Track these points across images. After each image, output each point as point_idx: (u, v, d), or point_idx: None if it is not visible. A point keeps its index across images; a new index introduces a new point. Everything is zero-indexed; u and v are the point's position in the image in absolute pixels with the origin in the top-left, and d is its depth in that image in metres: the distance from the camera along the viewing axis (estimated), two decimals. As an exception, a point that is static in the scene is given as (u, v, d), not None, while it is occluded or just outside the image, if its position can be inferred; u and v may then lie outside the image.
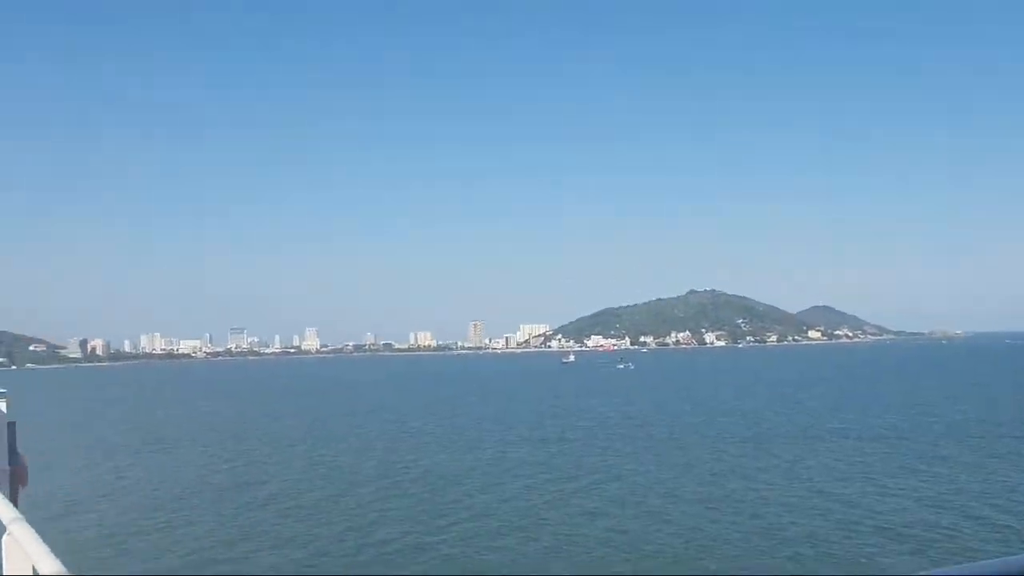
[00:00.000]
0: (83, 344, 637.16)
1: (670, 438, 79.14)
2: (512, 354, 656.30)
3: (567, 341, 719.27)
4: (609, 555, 37.47)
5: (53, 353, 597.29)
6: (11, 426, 10.89)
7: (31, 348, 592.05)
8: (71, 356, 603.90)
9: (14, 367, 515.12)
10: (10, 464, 10.74)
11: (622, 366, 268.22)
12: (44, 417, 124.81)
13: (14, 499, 10.81)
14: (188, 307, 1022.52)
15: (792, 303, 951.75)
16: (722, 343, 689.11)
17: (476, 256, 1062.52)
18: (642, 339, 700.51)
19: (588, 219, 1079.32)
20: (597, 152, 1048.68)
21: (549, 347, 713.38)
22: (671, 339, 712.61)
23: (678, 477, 57.41)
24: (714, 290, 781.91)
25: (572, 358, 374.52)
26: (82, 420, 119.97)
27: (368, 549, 39.59)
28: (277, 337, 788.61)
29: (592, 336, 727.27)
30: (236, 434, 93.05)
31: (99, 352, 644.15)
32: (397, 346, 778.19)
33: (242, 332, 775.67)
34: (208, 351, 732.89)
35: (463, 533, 42.46)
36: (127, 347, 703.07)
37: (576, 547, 39.17)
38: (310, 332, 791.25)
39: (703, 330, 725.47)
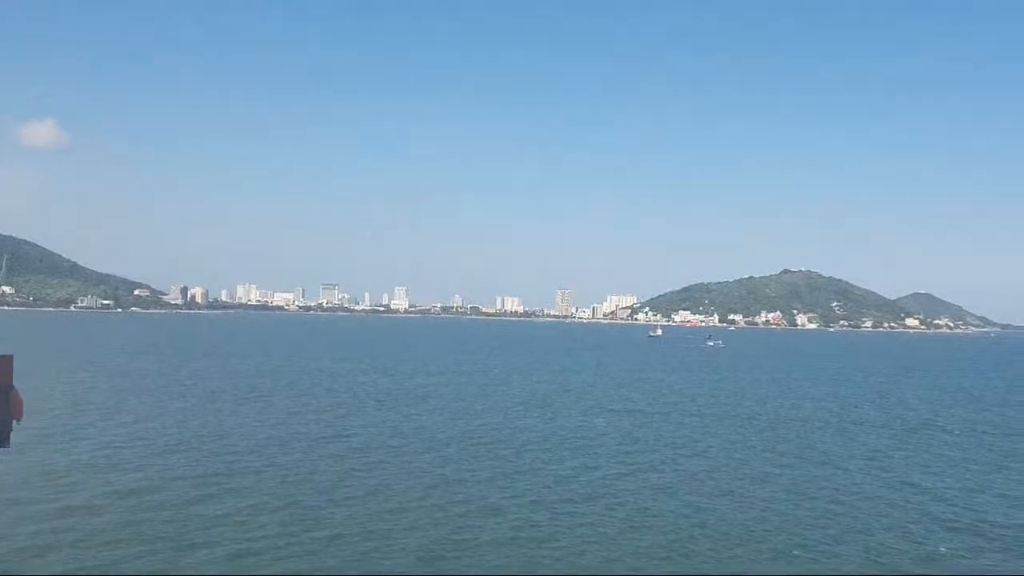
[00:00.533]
0: (184, 291, 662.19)
1: (756, 419, 78.20)
2: (598, 324, 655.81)
3: (654, 315, 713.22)
4: (682, 532, 37.52)
5: (156, 298, 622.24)
6: (3, 360, 10.96)
7: (135, 292, 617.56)
8: (172, 302, 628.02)
9: (120, 310, 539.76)
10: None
11: (712, 343, 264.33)
12: (159, 362, 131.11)
13: (5, 433, 10.71)
14: (282, 260, 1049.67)
15: (891, 288, 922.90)
16: (814, 326, 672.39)
17: (566, 226, 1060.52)
18: (731, 317, 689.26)
19: (680, 192, 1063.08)
20: (692, 125, 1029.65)
21: (636, 320, 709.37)
22: (761, 319, 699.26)
23: (760, 458, 56.84)
24: (809, 271, 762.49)
25: (659, 332, 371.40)
26: (185, 367, 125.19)
27: (451, 507, 40.61)
28: (367, 294, 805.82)
29: (680, 311, 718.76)
30: (329, 387, 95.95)
31: (198, 300, 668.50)
32: (484, 310, 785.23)
33: (333, 288, 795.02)
34: (300, 304, 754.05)
35: (539, 498, 43.12)
36: (224, 296, 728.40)
37: (650, 519, 39.38)
38: (399, 291, 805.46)
39: (795, 311, 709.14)
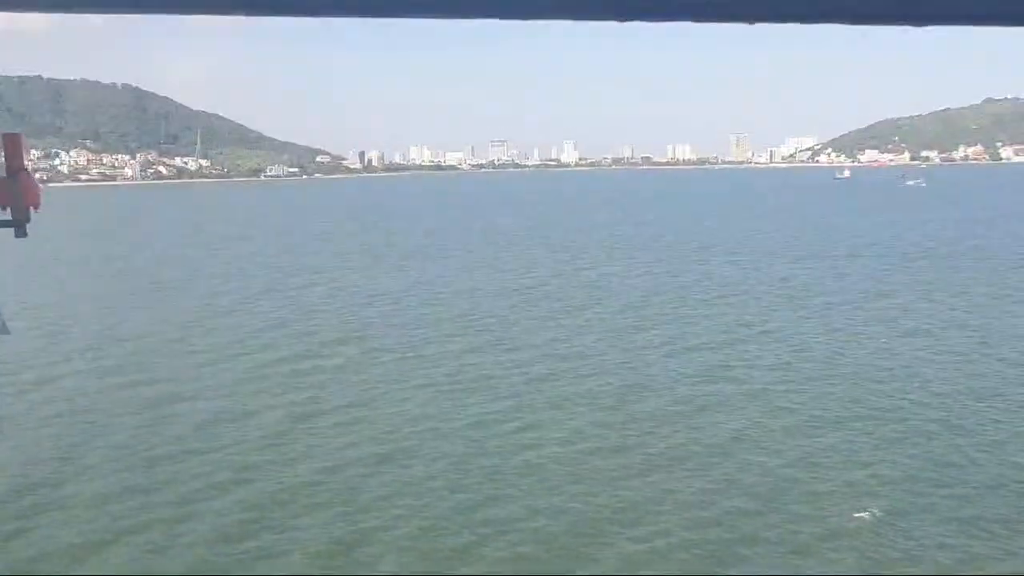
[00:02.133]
0: (362, 156, 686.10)
1: (959, 257, 72.61)
2: (777, 169, 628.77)
3: (837, 156, 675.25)
4: (906, 393, 35.44)
5: (337, 164, 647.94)
6: (10, 137, 9.37)
7: (317, 159, 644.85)
8: (352, 167, 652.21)
9: (304, 176, 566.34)
10: (8, 175, 9.11)
11: (912, 182, 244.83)
12: (385, 221, 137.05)
13: (21, 222, 9.10)
14: (451, 119, 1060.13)
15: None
16: (1022, 159, 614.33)
17: (739, 63, 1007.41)
18: (924, 154, 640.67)
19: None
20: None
21: (817, 162, 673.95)
22: (959, 154, 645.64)
23: (993, 314, 52.66)
24: (1016, 97, 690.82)
25: (847, 174, 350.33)
26: (401, 227, 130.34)
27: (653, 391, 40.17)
28: (536, 149, 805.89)
29: (866, 151, 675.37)
30: (513, 241, 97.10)
31: (375, 163, 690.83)
32: (656, 160, 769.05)
33: (503, 144, 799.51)
34: (471, 163, 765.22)
35: (755, 367, 41.97)
36: (398, 159, 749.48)
37: (873, 384, 37.38)
38: (568, 145, 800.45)
39: (999, 144, 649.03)
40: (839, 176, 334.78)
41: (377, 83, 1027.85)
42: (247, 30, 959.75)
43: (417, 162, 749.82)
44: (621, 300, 55.68)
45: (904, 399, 32.42)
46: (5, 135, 9.48)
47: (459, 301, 56.28)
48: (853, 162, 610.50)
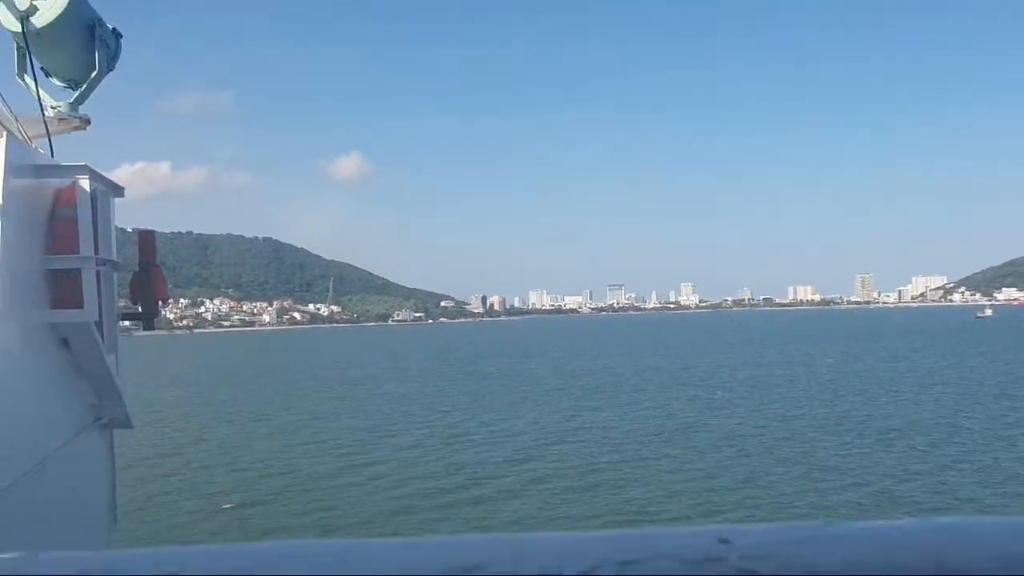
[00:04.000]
0: (483, 300, 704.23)
1: None
2: (907, 308, 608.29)
3: (971, 294, 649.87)
4: None
5: (460, 308, 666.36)
6: (144, 234, 9.56)
7: (442, 304, 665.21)
8: (474, 311, 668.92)
9: (430, 321, 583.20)
10: (140, 269, 9.38)
11: None
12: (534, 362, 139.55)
13: (150, 313, 9.53)
14: (569, 264, 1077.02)
15: None
16: None
17: (863, 202, 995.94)
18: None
19: (993, 150, 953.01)
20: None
21: (950, 301, 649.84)
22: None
23: None
24: None
25: (989, 312, 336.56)
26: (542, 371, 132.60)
27: (822, 494, 39.61)
28: (654, 292, 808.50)
29: (1003, 289, 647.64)
30: (666, 383, 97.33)
31: (496, 307, 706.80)
32: (777, 301, 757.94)
33: (620, 288, 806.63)
34: (591, 306, 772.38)
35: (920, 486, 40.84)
36: (517, 302, 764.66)
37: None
38: (685, 287, 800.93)
39: None
40: (980, 315, 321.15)
41: (498, 232, 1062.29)
42: (376, 186, 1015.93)
43: (537, 306, 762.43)
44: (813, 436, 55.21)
45: None
46: (140, 232, 9.63)
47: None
48: (990, 300, 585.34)
